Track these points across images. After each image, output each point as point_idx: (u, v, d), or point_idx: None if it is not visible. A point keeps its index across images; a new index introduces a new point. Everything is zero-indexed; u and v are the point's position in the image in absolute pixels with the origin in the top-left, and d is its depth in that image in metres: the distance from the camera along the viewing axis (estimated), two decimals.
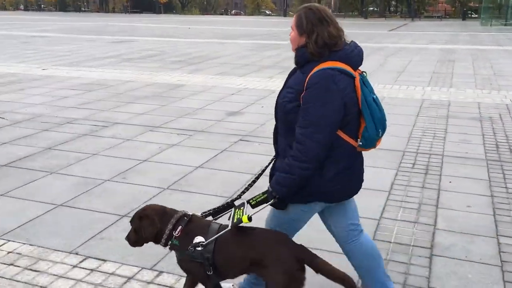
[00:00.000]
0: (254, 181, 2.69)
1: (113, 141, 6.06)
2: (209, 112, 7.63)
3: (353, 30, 28.17)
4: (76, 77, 11.09)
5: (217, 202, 3.65)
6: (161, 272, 3.15)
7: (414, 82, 10.32)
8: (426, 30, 30.68)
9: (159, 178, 4.81)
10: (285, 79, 2.49)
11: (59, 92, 9.28)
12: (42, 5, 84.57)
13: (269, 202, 2.39)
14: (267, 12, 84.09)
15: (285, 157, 2.37)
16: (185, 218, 2.48)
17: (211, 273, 2.42)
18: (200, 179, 4.80)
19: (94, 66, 12.75)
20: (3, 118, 7.23)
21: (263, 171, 2.68)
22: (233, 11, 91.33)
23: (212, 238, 2.39)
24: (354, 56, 2.35)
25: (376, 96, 2.40)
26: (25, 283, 3.02)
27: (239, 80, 10.73)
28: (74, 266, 3.22)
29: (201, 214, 2.59)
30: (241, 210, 2.38)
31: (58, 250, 3.40)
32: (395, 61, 13.94)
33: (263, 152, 5.43)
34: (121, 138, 6.19)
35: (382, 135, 2.44)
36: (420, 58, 14.67)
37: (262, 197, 2.41)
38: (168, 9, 76.21)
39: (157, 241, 2.49)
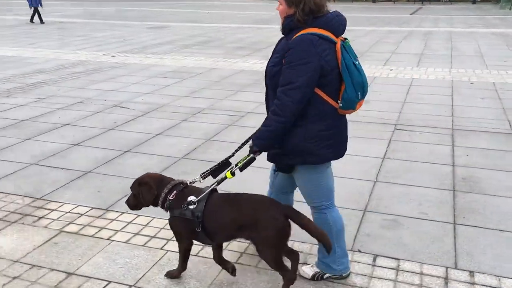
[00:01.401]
0: (244, 143, 2.92)
1: None
2: None
3: (370, 14, 28.04)
4: (153, 64, 10.92)
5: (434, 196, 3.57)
6: None
7: None
8: (447, 13, 30.54)
9: (361, 169, 4.77)
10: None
11: (154, 80, 9.15)
12: None
13: (250, 156, 2.63)
14: None
15: None
16: (181, 185, 2.79)
17: (199, 230, 2.68)
18: (398, 170, 4.76)
19: (159, 53, 12.55)
20: (127, 108, 7.12)
21: (252, 135, 2.79)
22: None
23: (202, 195, 2.68)
24: (335, 23, 2.55)
25: (358, 62, 2.59)
26: None
27: None
28: None
29: (200, 174, 2.85)
30: (227, 172, 2.70)
31: None
32: (464, 46, 13.45)
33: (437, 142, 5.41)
34: None
35: (362, 98, 2.63)
36: (485, 42, 14.28)
37: (246, 158, 2.64)
38: None
39: (155, 204, 2.81)
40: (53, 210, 3.95)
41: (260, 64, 10.72)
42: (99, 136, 5.86)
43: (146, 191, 2.79)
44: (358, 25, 20.55)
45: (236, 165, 2.68)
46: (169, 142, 5.60)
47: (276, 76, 2.55)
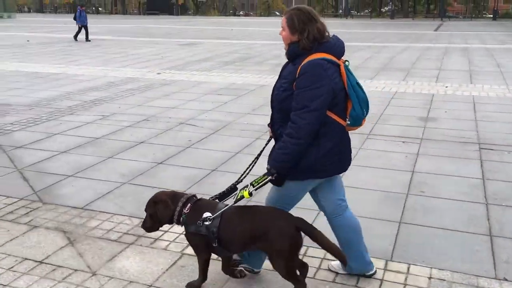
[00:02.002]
0: (252, 166, 3.08)
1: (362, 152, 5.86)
2: (400, 118, 7.45)
3: (395, 30, 28.04)
4: (202, 81, 10.92)
5: None
6: None
7: None
8: (472, 30, 30.46)
9: (462, 191, 4.63)
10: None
11: (210, 97, 9.12)
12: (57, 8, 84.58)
13: (268, 178, 2.70)
14: (277, 13, 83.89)
15: None
16: (194, 198, 2.87)
17: (216, 245, 2.76)
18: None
19: (202, 70, 12.58)
20: (195, 125, 7.07)
21: (259, 155, 3.08)
22: (241, 12, 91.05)
23: (218, 213, 2.74)
24: (337, 47, 2.73)
25: (358, 81, 2.75)
26: None
27: (380, 81, 10.53)
28: None
29: (209, 198, 2.96)
30: (243, 191, 2.74)
31: None
32: (509, 63, 13.21)
33: None
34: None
35: (366, 114, 2.78)
36: None
37: (262, 178, 2.72)
38: (183, 10, 76.01)
39: (170, 222, 2.84)
40: (165, 231, 3.86)
41: None
42: (179, 154, 5.79)
43: (163, 209, 2.82)
44: (390, 42, 20.52)
45: (253, 184, 2.74)
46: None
47: (286, 100, 2.67)
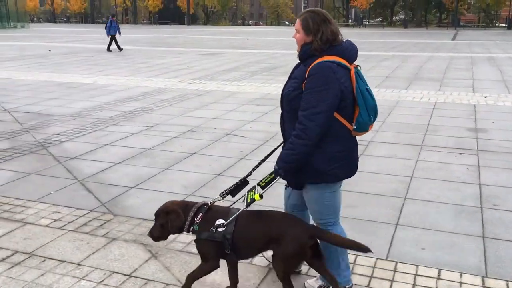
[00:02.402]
0: (260, 163, 3.14)
1: (421, 164, 5.80)
2: (448, 129, 7.37)
3: (412, 39, 27.93)
4: (236, 91, 10.92)
5: None
6: None
7: None
8: (489, 39, 30.36)
9: None
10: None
11: (248, 107, 9.10)
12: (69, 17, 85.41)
13: (276, 179, 2.76)
14: (286, 22, 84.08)
15: None
16: (205, 206, 2.86)
17: (229, 251, 2.76)
18: None
19: (232, 80, 12.58)
20: (243, 136, 7.03)
21: (270, 154, 3.15)
22: (250, 21, 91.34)
23: (231, 218, 2.75)
24: (350, 51, 2.74)
25: (369, 87, 2.75)
26: None
27: (419, 92, 10.47)
28: None
29: (220, 194, 2.97)
30: (252, 192, 2.80)
31: None
32: None
33: None
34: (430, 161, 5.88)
35: (374, 120, 2.78)
36: None
37: (269, 178, 2.76)
38: (193, 20, 76.53)
39: (180, 231, 2.87)
40: None
41: None
42: (235, 166, 5.74)
43: (175, 219, 2.82)
44: (412, 51, 20.47)
45: (260, 185, 2.78)
46: None
47: (294, 100, 2.71)
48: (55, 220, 4.24)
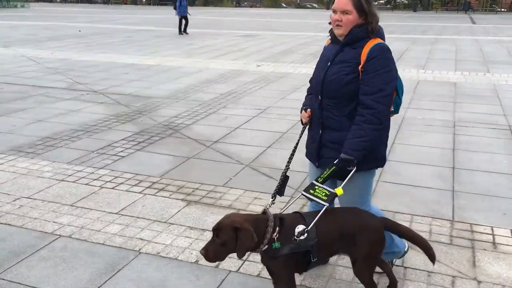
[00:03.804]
0: (292, 156, 2.92)
1: None
2: None
3: (430, 23, 27.76)
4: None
5: None
6: None
7: None
8: (508, 23, 30.25)
9: None
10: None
11: None
12: None
13: (353, 170, 2.58)
14: (283, 5, 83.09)
15: (339, 130, 2.66)
16: (277, 219, 2.46)
17: (316, 259, 2.46)
18: None
19: (298, 62, 12.42)
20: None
21: (297, 144, 2.93)
22: (245, 2, 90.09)
23: (315, 219, 2.43)
24: (384, 35, 2.71)
25: None
26: None
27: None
28: None
29: (271, 196, 2.71)
30: (319, 189, 2.55)
31: None
32: None
33: None
34: None
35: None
36: None
37: (329, 172, 2.59)
38: (191, 1, 75.32)
39: (247, 251, 2.40)
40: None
41: (439, 75, 10.51)
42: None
43: (247, 238, 2.32)
44: (446, 34, 20.33)
45: (318, 181, 2.60)
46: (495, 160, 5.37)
47: (350, 84, 2.59)
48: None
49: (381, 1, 72.92)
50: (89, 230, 3.69)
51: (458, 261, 3.32)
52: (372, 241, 2.54)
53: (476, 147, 5.72)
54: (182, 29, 19.60)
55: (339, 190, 2.54)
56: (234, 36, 19.51)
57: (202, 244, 3.42)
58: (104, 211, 4.02)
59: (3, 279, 3.08)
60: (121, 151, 5.53)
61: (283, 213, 2.61)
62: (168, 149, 5.66)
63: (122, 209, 4.06)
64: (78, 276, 3.12)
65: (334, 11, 2.64)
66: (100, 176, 4.78)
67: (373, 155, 2.70)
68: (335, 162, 2.60)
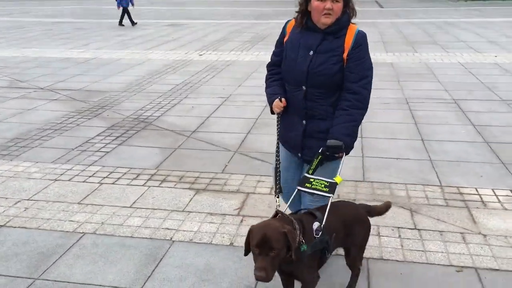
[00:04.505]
0: (278, 147, 2.80)
1: None
2: None
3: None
4: (260, 60, 10.98)
5: None
6: None
7: None
8: (412, 5, 32.31)
9: None
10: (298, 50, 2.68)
11: None
12: None
13: (346, 154, 2.65)
14: None
15: (325, 119, 2.66)
16: (297, 220, 2.37)
17: (330, 254, 2.48)
18: None
19: (238, 50, 12.57)
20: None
21: (279, 136, 2.84)
22: None
23: (325, 216, 2.40)
24: None
25: None
26: None
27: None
28: None
29: (275, 196, 2.61)
30: (315, 181, 2.50)
31: None
32: None
33: None
34: None
35: None
36: None
37: (316, 162, 2.59)
38: None
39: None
40: None
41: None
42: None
43: (294, 238, 2.22)
44: (358, 18, 21.37)
45: (308, 172, 2.58)
46: (455, 130, 5.92)
47: (338, 73, 2.60)
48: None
49: None
50: (111, 225, 3.69)
51: (460, 219, 3.74)
52: (366, 229, 2.72)
53: (434, 120, 6.28)
54: (130, 21, 18.76)
55: (338, 179, 2.52)
56: (161, 26, 19.13)
57: (229, 228, 3.60)
58: (117, 206, 4.00)
59: (46, 279, 3.03)
60: (103, 147, 5.43)
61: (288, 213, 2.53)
62: (150, 141, 5.65)
63: (134, 203, 4.07)
64: (123, 269, 3.15)
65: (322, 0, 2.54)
66: (94, 173, 4.70)
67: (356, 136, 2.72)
68: (320, 151, 2.59)
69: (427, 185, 4.37)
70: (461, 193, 4.19)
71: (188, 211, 3.92)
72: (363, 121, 2.78)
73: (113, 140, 5.67)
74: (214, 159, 5.06)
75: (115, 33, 16.72)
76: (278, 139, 2.80)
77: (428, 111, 6.69)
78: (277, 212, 2.41)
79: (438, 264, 3.17)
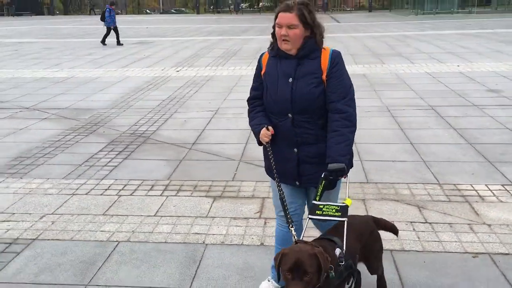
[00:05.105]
0: (277, 175, 2.75)
1: None
2: None
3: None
4: (238, 75, 11.27)
5: None
6: None
7: None
8: (365, 20, 33.64)
9: None
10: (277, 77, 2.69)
11: None
12: None
13: (347, 177, 2.62)
14: (148, 11, 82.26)
15: (316, 143, 2.64)
16: (326, 246, 2.32)
17: (355, 279, 2.49)
18: None
19: (214, 65, 12.83)
20: None
21: (274, 165, 2.76)
22: (97, 10, 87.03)
23: (344, 240, 2.37)
24: None
25: None
26: None
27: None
28: None
29: (289, 226, 2.52)
30: (325, 207, 2.45)
31: None
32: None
33: None
34: None
35: None
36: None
37: (321, 188, 2.52)
38: (50, 10, 71.12)
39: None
40: None
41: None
42: None
43: (326, 260, 2.17)
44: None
45: (316, 199, 2.52)
46: (437, 134, 6.36)
47: (320, 96, 2.60)
48: None
49: (245, 4, 75.43)
50: (142, 233, 3.84)
51: (464, 212, 4.11)
52: (379, 240, 2.80)
53: (417, 125, 6.73)
54: (116, 41, 18.43)
55: (348, 201, 2.48)
56: (129, 44, 19.16)
57: (255, 230, 3.83)
58: (142, 215, 4.15)
59: (97, 285, 3.16)
60: (109, 162, 5.54)
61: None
62: (153, 154, 5.80)
63: (157, 212, 4.23)
64: (166, 271, 3.31)
65: (279, 26, 2.58)
66: (109, 186, 4.82)
67: (351, 156, 2.71)
68: (323, 176, 2.52)
69: (427, 183, 4.73)
70: (459, 189, 4.57)
71: (212, 217, 4.11)
72: None
73: (116, 154, 5.78)
74: (221, 169, 5.28)
75: (84, 52, 16.65)
76: (274, 169, 2.71)
77: (409, 117, 7.14)
78: (297, 242, 2.34)
79: (455, 252, 3.50)
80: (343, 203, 2.46)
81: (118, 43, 18.41)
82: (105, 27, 18.36)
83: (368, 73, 11.01)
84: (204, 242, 3.69)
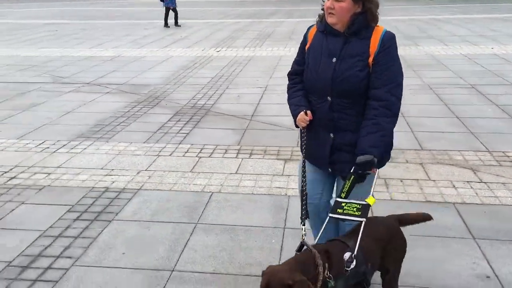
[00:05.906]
0: (304, 169, 2.60)
1: None
2: None
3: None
4: (279, 55, 11.71)
5: None
6: None
7: None
8: (390, 4, 33.54)
9: None
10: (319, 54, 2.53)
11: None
12: None
13: (376, 173, 2.43)
14: None
15: (354, 131, 2.45)
16: (323, 253, 2.18)
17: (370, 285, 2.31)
18: None
19: (252, 46, 13.27)
20: None
21: (304, 156, 2.64)
22: None
23: (357, 243, 2.19)
24: None
25: None
26: None
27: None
28: None
29: (301, 223, 2.39)
30: (347, 205, 2.32)
31: None
32: None
33: None
34: None
35: None
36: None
37: (349, 183, 2.37)
38: None
39: None
40: None
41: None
42: None
43: None
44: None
45: (341, 196, 2.38)
46: (482, 109, 6.77)
47: (365, 79, 2.41)
48: None
49: None
50: (230, 186, 4.38)
51: None
52: (402, 245, 2.52)
53: (461, 101, 7.14)
54: (174, 22, 18.76)
55: (371, 199, 2.31)
56: (162, 26, 19.65)
57: None
58: (225, 173, 4.70)
59: (205, 223, 3.74)
60: (180, 130, 6.09)
61: (319, 244, 2.34)
62: (219, 124, 6.33)
63: (237, 170, 4.76)
64: (260, 215, 3.86)
65: None
66: (188, 149, 5.37)
67: (390, 148, 2.57)
68: (352, 171, 2.38)
69: (478, 151, 5.19)
70: (508, 156, 5.02)
71: (287, 175, 4.64)
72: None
73: (185, 124, 6.33)
74: (284, 136, 5.78)
75: (121, 33, 17.21)
76: (304, 156, 2.60)
77: (452, 95, 7.55)
78: (302, 244, 2.24)
79: (511, 205, 3.97)
80: (366, 201, 2.31)
81: (176, 23, 18.73)
82: (164, 7, 18.52)
83: (404, 54, 11.33)
84: (286, 194, 4.22)
